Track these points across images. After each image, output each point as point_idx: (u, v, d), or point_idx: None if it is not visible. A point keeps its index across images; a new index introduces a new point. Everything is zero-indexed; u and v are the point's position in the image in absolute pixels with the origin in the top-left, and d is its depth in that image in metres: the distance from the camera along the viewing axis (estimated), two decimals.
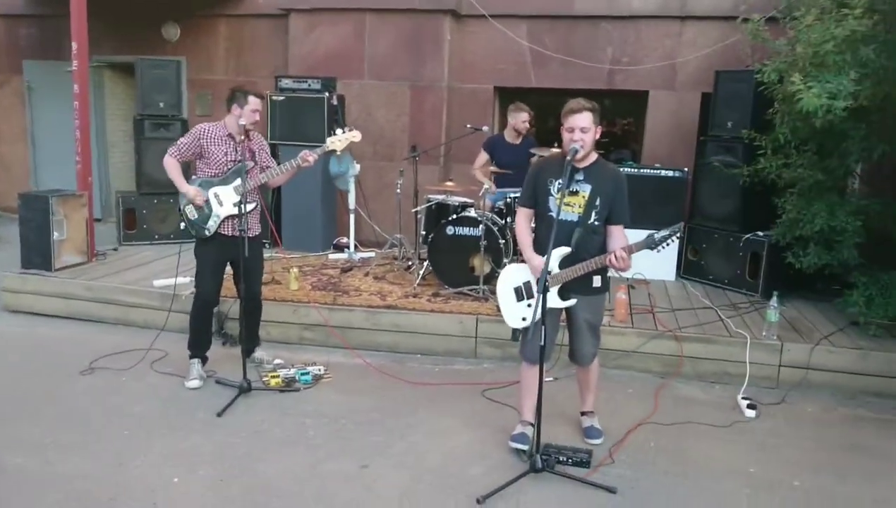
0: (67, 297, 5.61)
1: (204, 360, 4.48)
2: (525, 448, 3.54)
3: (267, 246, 5.46)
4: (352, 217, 6.78)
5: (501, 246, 5.36)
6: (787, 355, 4.66)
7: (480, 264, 5.39)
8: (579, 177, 3.43)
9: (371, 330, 5.12)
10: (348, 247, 6.82)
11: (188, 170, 4.44)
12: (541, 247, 3.45)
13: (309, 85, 6.82)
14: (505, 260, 5.32)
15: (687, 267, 6.49)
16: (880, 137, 4.84)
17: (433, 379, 4.64)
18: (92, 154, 6.56)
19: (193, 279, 4.47)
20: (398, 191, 6.43)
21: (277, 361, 4.69)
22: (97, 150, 8.16)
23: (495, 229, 5.38)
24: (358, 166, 6.70)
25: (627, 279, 5.72)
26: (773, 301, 4.76)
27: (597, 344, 3.69)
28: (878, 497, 3.36)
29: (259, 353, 4.70)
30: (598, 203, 3.41)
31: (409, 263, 6.34)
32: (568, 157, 3.31)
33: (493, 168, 5.97)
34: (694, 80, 7.09)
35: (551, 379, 4.49)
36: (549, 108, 8.48)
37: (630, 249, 3.30)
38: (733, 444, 3.85)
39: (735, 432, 4.00)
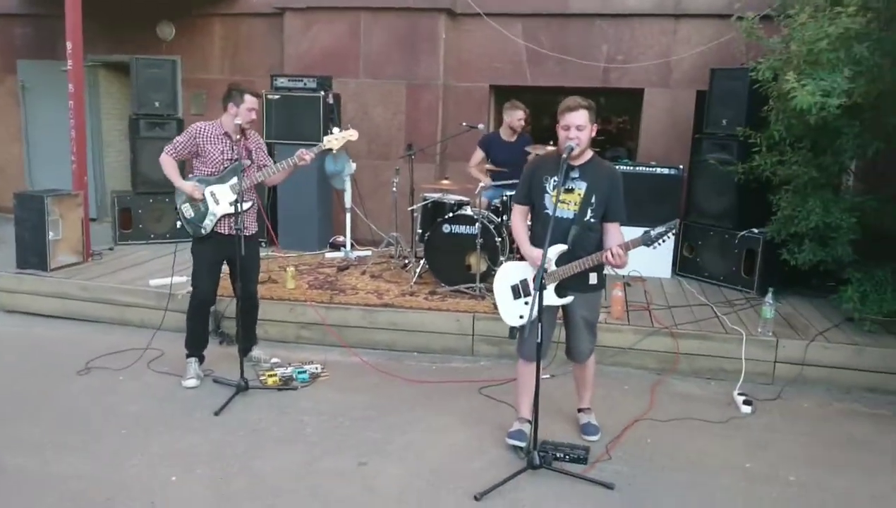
0: (63, 297, 5.60)
1: (201, 359, 4.48)
2: (522, 444, 3.55)
3: (263, 244, 5.46)
4: (348, 215, 6.79)
5: (498, 244, 5.37)
6: (783, 351, 4.68)
7: (477, 262, 5.39)
8: (575, 174, 3.44)
9: (368, 328, 5.13)
10: (345, 246, 6.83)
11: (184, 170, 4.43)
12: (537, 245, 3.46)
13: (304, 84, 6.83)
14: (501, 258, 5.33)
15: (683, 265, 6.51)
16: (874, 134, 4.86)
17: (430, 377, 4.65)
18: (87, 153, 6.55)
19: (190, 278, 4.47)
20: (394, 189, 6.43)
21: (274, 360, 4.69)
22: (92, 150, 8.14)
23: (491, 227, 5.39)
24: (354, 165, 6.70)
25: (624, 276, 5.76)
26: (769, 297, 4.78)
27: (593, 341, 3.71)
28: (874, 492, 3.38)
29: (256, 352, 4.70)
30: (593, 200, 3.42)
31: (406, 261, 6.34)
32: (564, 155, 3.32)
33: (488, 166, 5.98)
34: (689, 77, 7.11)
35: (548, 376, 4.50)
36: (544, 106, 8.51)
37: (626, 246, 3.31)
38: (729, 440, 3.87)
39: (731, 428, 4.02)
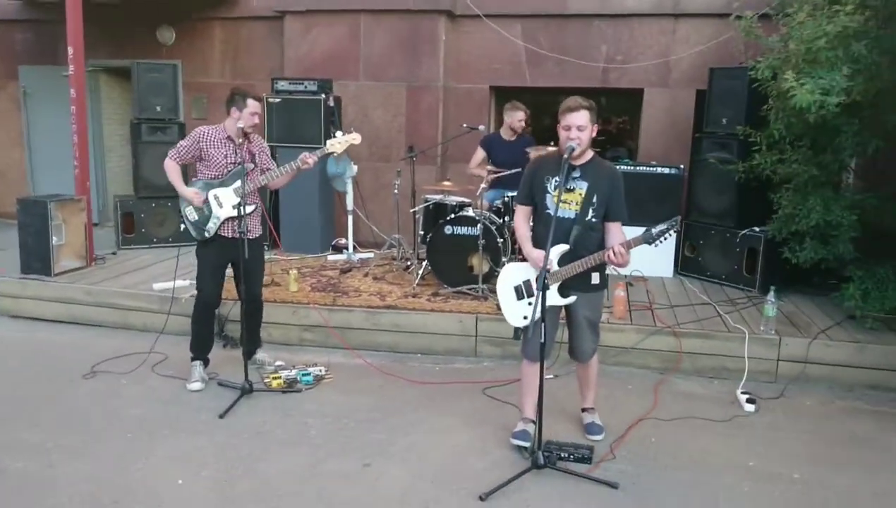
0: (67, 302, 5.62)
1: (206, 362, 4.50)
2: (527, 444, 3.56)
3: (266, 247, 5.48)
4: (350, 218, 6.80)
5: (500, 244, 5.38)
6: (785, 349, 4.69)
7: (479, 263, 5.41)
8: (576, 174, 3.45)
9: (371, 330, 5.14)
10: (347, 248, 6.84)
11: (187, 174, 4.45)
12: (539, 245, 3.48)
13: (305, 86, 6.84)
14: (503, 259, 5.34)
15: (684, 264, 6.52)
16: (873, 132, 4.88)
17: (434, 378, 4.66)
18: (89, 158, 6.56)
19: (193, 282, 4.48)
20: (396, 191, 6.45)
21: (278, 363, 4.70)
22: (94, 155, 8.15)
23: (493, 228, 5.40)
24: (355, 167, 6.72)
25: (626, 276, 5.76)
26: (771, 296, 4.79)
27: (596, 341, 3.72)
28: (876, 489, 3.39)
29: (260, 355, 4.71)
30: (594, 200, 3.43)
31: (408, 263, 6.36)
32: (565, 155, 3.34)
33: (489, 166, 5.99)
34: (688, 77, 7.12)
35: (551, 376, 4.51)
36: (544, 107, 8.52)
37: (628, 245, 3.32)
38: (733, 438, 3.88)
39: (734, 426, 4.03)
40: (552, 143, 5.12)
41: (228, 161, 4.29)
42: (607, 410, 4.03)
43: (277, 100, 6.86)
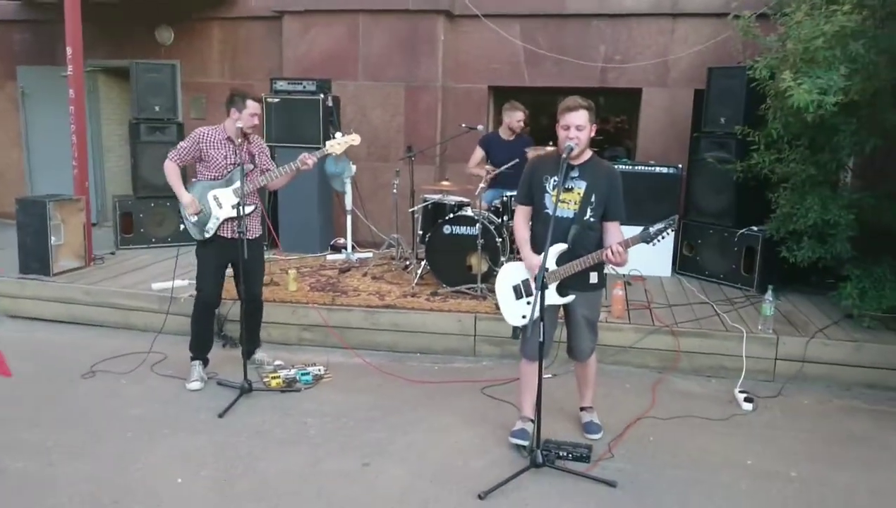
0: (66, 302, 5.63)
1: (205, 362, 4.51)
2: (525, 443, 3.57)
3: (265, 247, 5.48)
4: (348, 218, 6.81)
5: (498, 244, 5.40)
6: (783, 348, 4.71)
7: (478, 262, 5.42)
8: (574, 174, 3.46)
9: (370, 329, 5.15)
10: (346, 248, 6.85)
11: (187, 174, 4.45)
12: (538, 244, 3.49)
13: (304, 86, 6.85)
14: (502, 259, 5.35)
15: (682, 263, 6.53)
16: (871, 131, 4.89)
17: (433, 378, 4.67)
18: (88, 158, 6.57)
19: (192, 282, 4.48)
20: (394, 191, 6.46)
21: (278, 362, 4.71)
22: (92, 155, 8.16)
23: (492, 228, 5.41)
24: (354, 167, 6.73)
25: (624, 275, 5.78)
26: (769, 295, 4.80)
27: (594, 340, 3.73)
28: (873, 487, 3.41)
29: (259, 355, 4.72)
30: (593, 199, 3.44)
31: (407, 263, 6.37)
32: (563, 155, 3.35)
33: (488, 166, 6.00)
34: (686, 76, 7.14)
35: (550, 375, 4.52)
36: (542, 107, 8.53)
37: (626, 244, 3.33)
38: (731, 437, 3.89)
39: (732, 425, 4.04)
40: (551, 143, 5.14)
41: (228, 162, 4.30)
42: (605, 409, 4.04)
43: (276, 100, 6.86)
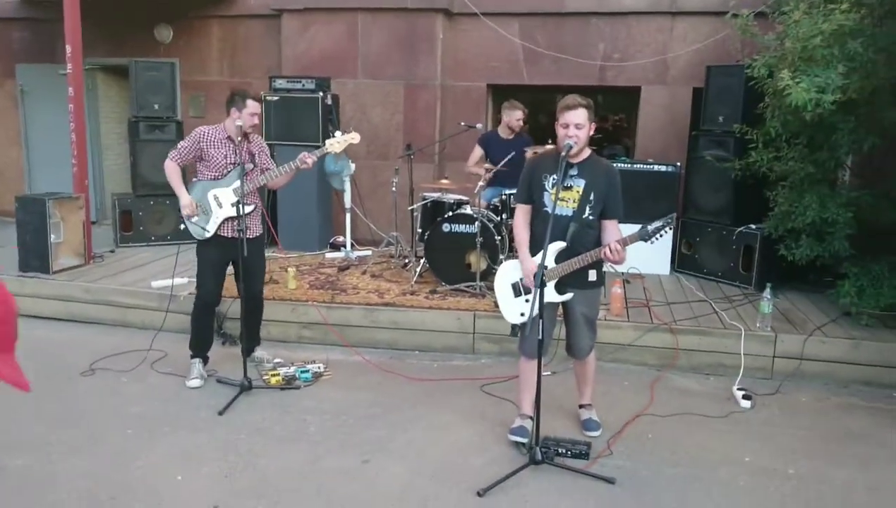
0: (66, 300, 5.63)
1: (205, 360, 4.51)
2: (524, 440, 3.58)
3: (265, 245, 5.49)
4: (348, 216, 6.82)
5: (497, 242, 5.41)
6: (781, 346, 4.72)
7: (477, 261, 5.43)
8: (573, 172, 3.47)
9: (369, 327, 5.16)
10: (345, 246, 6.86)
11: (187, 174, 4.46)
12: (537, 242, 3.49)
13: (303, 85, 6.85)
14: (501, 257, 5.36)
15: (681, 261, 6.55)
16: (869, 130, 4.90)
17: (432, 375, 4.68)
18: (87, 156, 6.57)
19: (191, 279, 4.49)
20: (394, 189, 6.47)
21: (277, 360, 4.72)
22: (92, 153, 8.15)
23: (491, 226, 5.42)
24: (353, 165, 6.73)
25: (623, 273, 5.80)
26: (767, 293, 4.82)
27: (593, 338, 3.74)
28: (871, 484, 3.42)
29: (259, 353, 4.73)
30: (592, 198, 3.45)
31: (406, 261, 6.38)
32: (562, 153, 3.36)
33: (487, 164, 6.01)
34: (685, 75, 7.15)
35: (549, 373, 4.53)
36: (541, 105, 8.54)
37: (624, 242, 3.34)
38: (729, 434, 3.91)
39: (731, 422, 4.06)
40: (550, 141, 5.15)
41: (228, 161, 4.30)
42: (604, 406, 4.05)
43: (275, 98, 6.87)
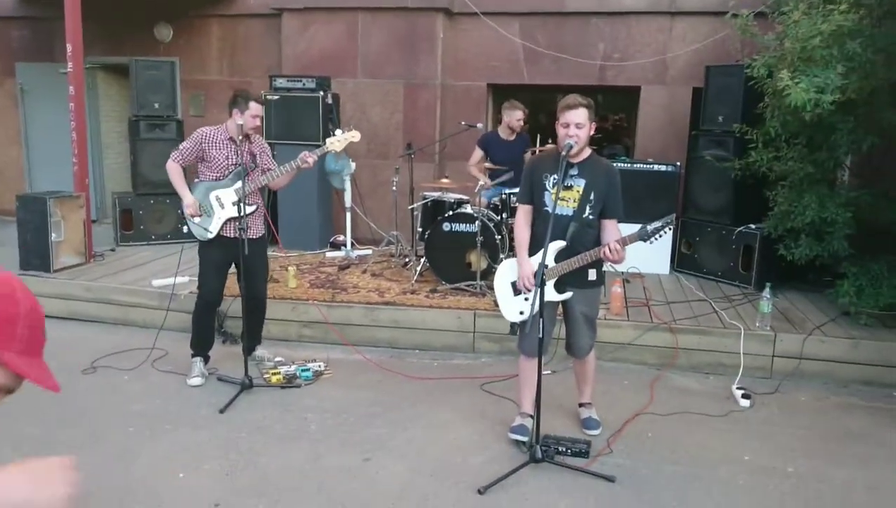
0: (67, 298, 5.64)
1: (206, 359, 4.53)
2: (524, 439, 3.60)
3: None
4: (348, 215, 6.83)
5: (497, 241, 5.42)
6: (781, 345, 4.73)
7: (477, 260, 5.44)
8: (573, 172, 3.48)
9: (370, 326, 5.17)
10: (345, 245, 6.87)
11: (188, 174, 4.47)
12: (537, 242, 3.50)
13: (303, 84, 6.86)
14: (501, 256, 5.37)
15: (681, 261, 6.56)
16: (868, 130, 4.91)
17: (432, 374, 4.69)
18: (87, 155, 6.57)
19: (192, 278, 4.49)
20: (394, 188, 6.48)
21: (278, 359, 4.73)
22: (92, 152, 8.16)
23: (491, 225, 5.43)
24: (353, 164, 6.74)
25: (622, 273, 5.81)
26: (766, 292, 4.83)
27: (593, 337, 3.75)
28: (870, 483, 3.43)
29: (260, 351, 4.73)
30: (592, 197, 3.47)
31: (406, 260, 6.39)
32: (563, 152, 3.37)
33: (488, 164, 6.03)
34: (685, 75, 7.16)
35: (549, 372, 4.54)
36: (541, 105, 8.55)
37: (624, 241, 3.35)
38: (728, 433, 3.92)
39: (730, 421, 4.07)
40: (550, 141, 5.16)
41: (230, 162, 4.31)
42: (604, 405, 4.06)
43: (276, 97, 6.87)
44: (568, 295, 3.54)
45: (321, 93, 6.79)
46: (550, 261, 3.44)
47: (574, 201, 3.47)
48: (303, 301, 5.27)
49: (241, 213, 4.12)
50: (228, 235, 4.33)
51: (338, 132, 4.48)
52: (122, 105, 8.96)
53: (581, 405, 3.96)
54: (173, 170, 4.33)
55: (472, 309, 5.12)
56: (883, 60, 4.61)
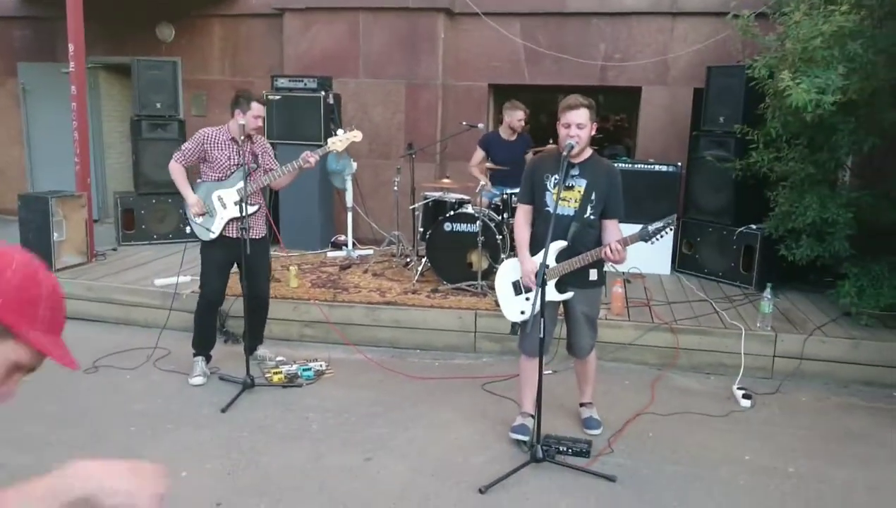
0: (68, 298, 5.51)
1: (208, 358, 4.53)
2: (525, 438, 3.60)
3: None
4: (349, 215, 6.84)
5: (498, 241, 5.42)
6: (781, 345, 4.74)
7: (478, 260, 5.44)
8: (575, 172, 3.49)
9: (371, 326, 5.18)
10: (346, 245, 6.87)
11: (191, 174, 4.48)
12: (538, 242, 3.51)
13: (305, 84, 6.86)
14: (502, 256, 5.38)
15: (682, 261, 6.56)
16: (869, 130, 4.92)
17: (433, 374, 4.70)
18: (89, 155, 6.59)
19: (194, 278, 4.50)
20: (395, 188, 6.48)
21: (280, 358, 4.74)
22: (94, 152, 8.16)
23: (492, 225, 5.44)
24: (355, 164, 6.75)
25: (623, 273, 5.81)
26: (767, 293, 4.84)
27: (594, 337, 3.76)
28: (870, 483, 3.44)
29: (261, 351, 4.74)
30: (593, 197, 3.47)
31: (408, 260, 6.39)
32: (564, 153, 3.37)
33: (489, 164, 6.03)
34: (686, 75, 7.16)
35: (550, 372, 4.55)
36: (542, 105, 8.56)
37: (625, 241, 3.35)
38: (729, 433, 3.92)
39: (731, 421, 4.08)
40: (551, 141, 5.16)
41: (232, 162, 4.32)
42: (605, 405, 4.07)
43: (277, 97, 6.88)
44: (569, 295, 3.55)
45: (323, 93, 6.79)
46: (551, 261, 3.45)
47: (575, 201, 3.48)
48: (304, 300, 5.28)
49: (244, 213, 4.13)
50: (231, 235, 4.33)
51: (339, 132, 4.49)
52: (123, 105, 8.97)
53: (582, 405, 3.97)
54: (176, 171, 4.34)
55: (473, 309, 5.13)
56: (884, 61, 4.62)
